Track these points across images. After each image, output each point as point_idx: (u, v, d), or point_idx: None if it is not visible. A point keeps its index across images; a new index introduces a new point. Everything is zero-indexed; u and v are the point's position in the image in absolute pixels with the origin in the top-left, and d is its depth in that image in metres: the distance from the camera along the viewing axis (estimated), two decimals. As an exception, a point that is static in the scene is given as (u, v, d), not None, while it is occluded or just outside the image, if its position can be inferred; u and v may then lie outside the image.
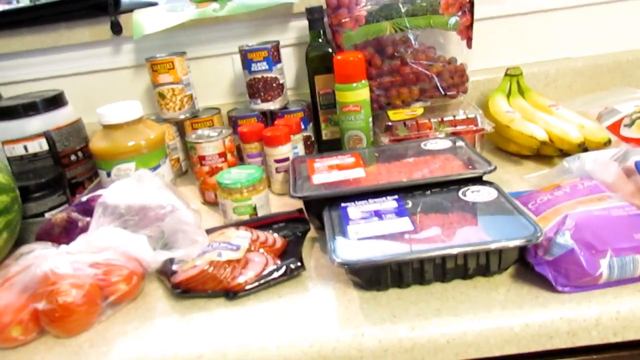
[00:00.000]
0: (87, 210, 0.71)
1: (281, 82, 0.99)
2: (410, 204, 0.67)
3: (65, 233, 0.70)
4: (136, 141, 0.84)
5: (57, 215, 0.73)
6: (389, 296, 0.58)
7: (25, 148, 0.85)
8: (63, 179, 0.85)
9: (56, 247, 0.65)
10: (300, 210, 0.75)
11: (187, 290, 0.63)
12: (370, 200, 0.68)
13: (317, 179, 0.75)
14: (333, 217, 0.66)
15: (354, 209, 0.67)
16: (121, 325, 0.60)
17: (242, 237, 0.67)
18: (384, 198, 0.68)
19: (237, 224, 0.73)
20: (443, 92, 0.95)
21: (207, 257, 0.63)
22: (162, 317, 0.61)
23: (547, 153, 0.87)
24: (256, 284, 0.62)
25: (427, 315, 0.55)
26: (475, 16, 0.96)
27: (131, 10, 1.05)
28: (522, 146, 0.88)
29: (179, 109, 1.00)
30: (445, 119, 0.89)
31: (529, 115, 0.92)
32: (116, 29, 1.04)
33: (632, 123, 0.84)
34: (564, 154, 0.84)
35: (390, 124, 0.90)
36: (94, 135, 0.87)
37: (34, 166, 0.86)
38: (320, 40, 0.96)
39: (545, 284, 0.56)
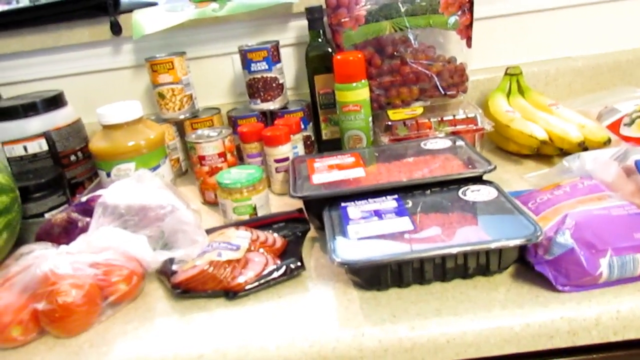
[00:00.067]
0: (87, 210, 0.71)
1: (281, 82, 0.99)
2: (410, 204, 0.66)
3: (65, 233, 0.70)
4: (136, 141, 0.84)
5: (57, 216, 0.73)
6: (389, 296, 0.58)
7: (25, 148, 0.85)
8: (63, 179, 0.85)
9: (56, 248, 0.65)
10: (300, 210, 0.75)
11: (187, 290, 0.63)
12: (370, 200, 0.68)
13: (317, 178, 0.75)
14: (333, 217, 0.66)
15: (354, 209, 0.67)
16: (121, 326, 0.60)
17: (242, 237, 0.67)
18: (383, 198, 0.68)
19: (237, 224, 0.73)
20: (443, 92, 0.95)
21: (207, 257, 0.63)
22: (162, 317, 0.61)
23: (547, 152, 0.87)
24: (256, 283, 0.62)
25: (427, 315, 0.55)
26: (475, 15, 0.96)
27: (131, 11, 1.05)
28: (522, 145, 0.88)
29: (179, 109, 1.00)
30: (445, 118, 0.89)
31: (528, 115, 0.92)
32: (116, 29, 1.04)
33: (632, 122, 0.84)
34: (564, 153, 0.84)
35: (390, 123, 0.90)
36: (94, 136, 0.87)
37: (33, 166, 0.86)
38: (320, 40, 0.96)
39: (546, 283, 0.56)
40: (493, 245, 0.56)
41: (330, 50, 0.95)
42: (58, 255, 0.62)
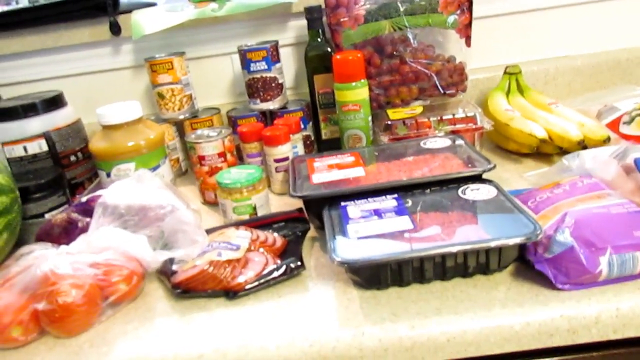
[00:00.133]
0: (87, 210, 0.71)
1: (280, 81, 0.99)
2: (410, 203, 0.67)
3: (65, 233, 0.70)
4: (136, 141, 0.84)
5: (57, 216, 0.73)
6: (389, 295, 0.58)
7: (25, 149, 0.85)
8: (63, 179, 0.85)
9: (56, 248, 0.65)
10: (300, 210, 0.75)
11: (187, 290, 0.63)
12: (370, 199, 0.68)
13: (317, 178, 0.75)
14: (333, 217, 0.66)
15: (354, 208, 0.67)
16: (121, 326, 0.60)
17: (242, 236, 0.67)
18: (383, 197, 0.68)
19: (237, 224, 0.73)
20: (442, 91, 0.95)
21: (207, 257, 0.63)
22: (162, 317, 0.61)
23: (546, 151, 0.87)
24: (256, 283, 0.62)
25: (427, 314, 0.55)
26: (474, 14, 0.96)
27: (130, 11, 1.05)
28: (521, 144, 0.88)
29: (179, 109, 1.00)
30: (444, 117, 0.89)
31: (528, 114, 0.92)
32: (115, 29, 1.04)
33: (632, 120, 0.84)
34: (563, 152, 0.84)
35: (389, 122, 0.90)
36: (94, 136, 0.87)
37: (33, 167, 0.86)
38: (319, 39, 0.96)
39: (545, 281, 0.56)
40: (493, 244, 0.56)
41: (329, 49, 0.95)
42: (58, 256, 0.62)
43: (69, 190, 0.86)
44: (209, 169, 0.87)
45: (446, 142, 0.81)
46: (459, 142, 0.81)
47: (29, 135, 0.85)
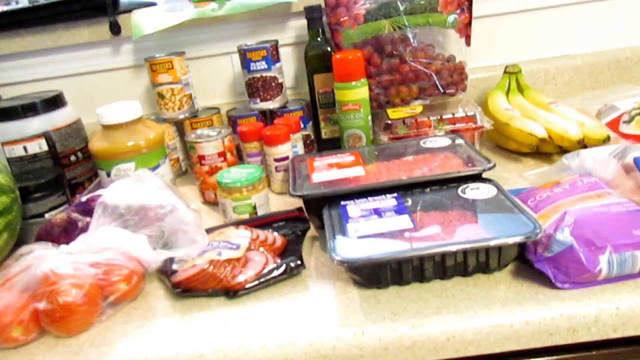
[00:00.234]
0: (87, 210, 0.71)
1: (280, 81, 0.99)
2: (409, 202, 0.67)
3: (65, 233, 0.70)
4: (136, 141, 0.84)
5: (57, 216, 0.73)
6: (389, 294, 0.58)
7: (25, 149, 0.86)
8: (63, 179, 0.86)
9: (56, 248, 0.65)
10: (300, 209, 0.75)
11: (187, 289, 0.63)
12: (370, 199, 0.68)
13: (317, 177, 0.75)
14: (333, 216, 0.66)
15: (354, 207, 0.67)
16: (122, 325, 0.60)
17: (242, 236, 0.67)
18: (383, 196, 0.69)
19: (237, 223, 0.73)
20: (442, 90, 0.95)
21: (207, 256, 0.63)
22: (162, 316, 0.61)
23: (546, 150, 0.87)
24: (256, 282, 0.62)
25: (427, 312, 0.55)
26: (474, 14, 0.96)
27: (130, 11, 1.05)
28: (521, 144, 0.88)
29: (179, 109, 1.00)
30: (444, 117, 0.89)
31: (528, 113, 0.92)
32: (115, 29, 1.04)
33: (631, 120, 0.84)
34: (563, 151, 0.84)
35: (389, 122, 0.90)
36: (94, 136, 0.87)
37: (33, 167, 0.86)
38: (319, 39, 0.96)
39: (545, 280, 0.56)
40: (493, 243, 0.56)
41: (329, 49, 0.95)
42: (58, 255, 0.62)
43: (69, 190, 0.87)
44: (209, 168, 0.87)
45: (446, 141, 0.81)
46: (459, 141, 0.81)
47: (29, 135, 0.85)
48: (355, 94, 0.88)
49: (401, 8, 0.93)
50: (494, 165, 0.70)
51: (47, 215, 0.80)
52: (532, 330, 0.52)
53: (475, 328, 0.53)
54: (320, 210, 0.69)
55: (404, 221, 0.62)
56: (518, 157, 0.90)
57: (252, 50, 0.95)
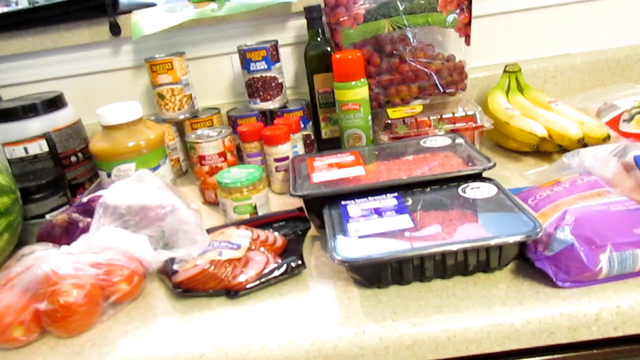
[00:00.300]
0: (88, 210, 0.71)
1: (280, 81, 0.99)
2: (410, 202, 0.67)
3: (66, 234, 0.70)
4: (136, 141, 0.84)
5: (58, 216, 0.73)
6: (389, 293, 0.59)
7: (26, 150, 0.86)
8: (63, 180, 0.86)
9: (57, 248, 0.65)
10: (300, 209, 0.75)
11: (188, 289, 0.63)
12: (370, 198, 0.68)
13: (317, 177, 0.75)
14: (333, 215, 0.66)
15: (354, 207, 0.67)
16: (123, 325, 0.60)
17: (243, 236, 0.67)
18: (383, 196, 0.69)
19: (238, 223, 0.73)
20: (442, 90, 0.95)
21: (208, 257, 0.63)
22: (163, 316, 0.61)
23: (546, 149, 0.87)
24: (257, 282, 0.62)
25: (428, 312, 0.55)
26: (474, 13, 0.96)
27: (130, 11, 1.05)
28: (521, 143, 0.88)
29: (179, 109, 1.00)
30: (444, 116, 0.89)
31: (528, 112, 0.92)
32: (115, 29, 1.04)
33: (631, 118, 0.84)
34: (563, 150, 0.84)
35: (389, 122, 0.90)
36: (94, 136, 0.87)
37: (34, 167, 0.86)
38: (318, 39, 0.96)
39: (546, 279, 0.56)
40: (493, 242, 0.56)
41: (329, 49, 0.95)
42: (59, 256, 0.62)
43: (70, 191, 0.87)
44: (209, 168, 0.87)
45: (446, 140, 0.81)
46: (459, 140, 0.81)
47: (30, 136, 0.85)
48: (355, 93, 0.88)
49: (401, 8, 0.93)
50: (494, 165, 0.70)
51: (48, 216, 0.81)
52: (533, 329, 0.53)
53: (476, 327, 0.53)
54: (320, 210, 0.69)
55: (405, 221, 0.62)
56: (518, 156, 0.91)
57: (252, 51, 0.96)
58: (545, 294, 0.55)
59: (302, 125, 0.98)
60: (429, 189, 0.70)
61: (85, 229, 0.68)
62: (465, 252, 0.57)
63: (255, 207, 0.78)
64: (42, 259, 0.61)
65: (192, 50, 1.06)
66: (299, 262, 0.65)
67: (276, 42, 0.98)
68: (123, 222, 0.68)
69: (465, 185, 0.69)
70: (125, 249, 0.65)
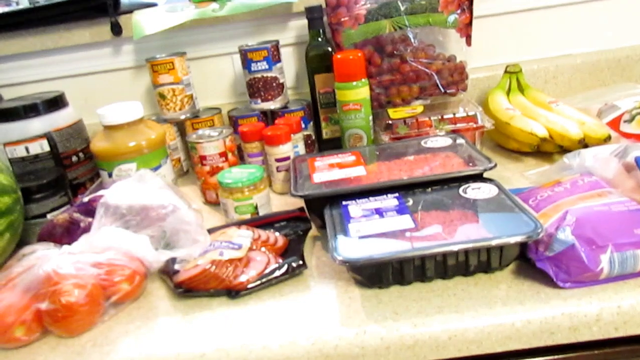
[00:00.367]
0: (89, 210, 0.71)
1: (281, 81, 0.99)
2: (411, 202, 0.67)
3: (67, 233, 0.70)
4: (137, 141, 0.84)
5: (59, 216, 0.73)
6: (390, 294, 0.59)
7: (27, 149, 0.86)
8: (64, 179, 0.86)
9: (58, 248, 0.65)
10: (301, 209, 0.75)
11: (189, 289, 0.63)
12: (371, 198, 0.68)
13: (318, 177, 0.75)
14: (334, 216, 0.66)
15: (355, 207, 0.67)
16: (124, 325, 0.60)
17: (244, 236, 0.67)
18: (384, 196, 0.69)
19: (239, 223, 0.73)
20: (443, 90, 0.95)
21: (209, 257, 0.63)
22: (164, 316, 0.61)
23: (547, 150, 0.87)
24: (258, 282, 0.62)
25: (429, 312, 0.55)
26: (474, 14, 0.96)
27: (131, 11, 1.05)
28: (522, 143, 0.88)
29: (180, 109, 1.00)
30: (445, 116, 0.89)
31: (528, 112, 0.92)
32: (116, 29, 1.04)
33: (632, 119, 0.84)
34: (564, 150, 0.84)
35: (390, 122, 0.90)
36: (95, 136, 0.87)
37: (35, 167, 0.86)
38: (319, 39, 0.96)
39: (546, 279, 0.56)
40: (494, 243, 0.56)
41: (330, 49, 0.95)
42: (60, 256, 0.62)
43: (71, 191, 0.87)
44: (210, 168, 0.87)
45: (447, 141, 0.81)
46: (460, 141, 0.81)
47: (31, 136, 0.86)
48: (356, 93, 0.88)
49: (402, 8, 0.93)
50: (495, 165, 0.70)
51: (49, 216, 0.81)
52: (534, 329, 0.53)
53: (476, 327, 0.53)
54: (321, 210, 0.69)
55: (405, 221, 0.62)
56: (519, 157, 0.91)
57: (253, 51, 0.96)
58: (546, 294, 0.55)
59: (303, 126, 0.98)
60: (429, 189, 0.70)
61: (87, 229, 0.68)
62: (466, 252, 0.58)
63: (256, 207, 0.78)
64: (44, 259, 0.61)
65: (193, 50, 1.06)
66: (300, 262, 0.65)
67: (277, 42, 0.98)
68: (124, 222, 0.68)
69: (466, 185, 0.69)
70: (126, 248, 0.65)
